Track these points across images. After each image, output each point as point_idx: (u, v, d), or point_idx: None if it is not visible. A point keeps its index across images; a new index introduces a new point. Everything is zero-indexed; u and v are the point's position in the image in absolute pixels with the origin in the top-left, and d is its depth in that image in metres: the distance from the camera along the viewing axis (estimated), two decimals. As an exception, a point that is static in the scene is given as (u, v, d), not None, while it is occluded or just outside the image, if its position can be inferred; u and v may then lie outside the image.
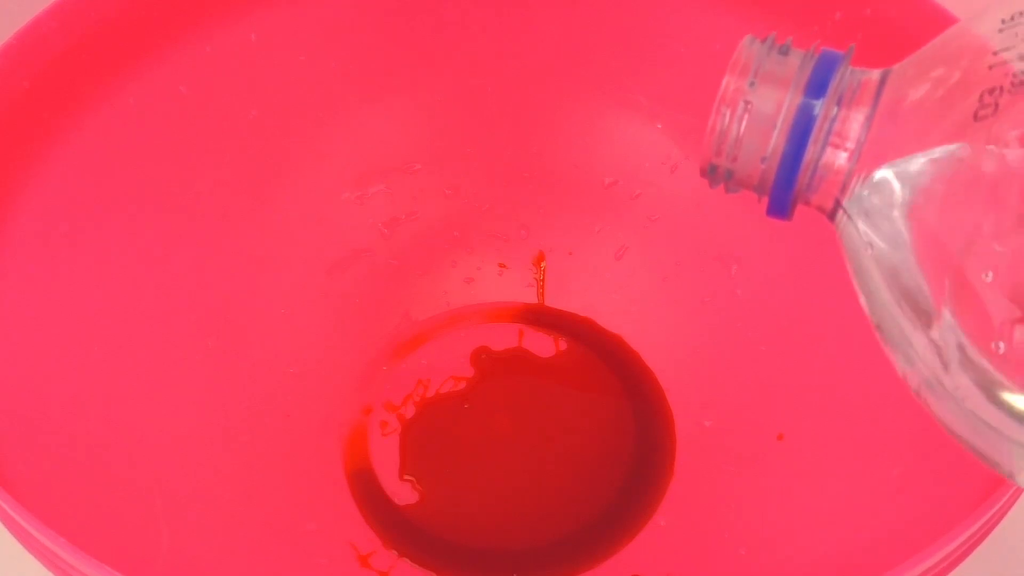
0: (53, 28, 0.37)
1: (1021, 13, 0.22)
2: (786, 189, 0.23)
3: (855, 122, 0.23)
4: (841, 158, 0.23)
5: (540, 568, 0.38)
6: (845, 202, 0.23)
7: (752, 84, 0.23)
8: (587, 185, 0.45)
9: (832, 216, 0.24)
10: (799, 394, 0.40)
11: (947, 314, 0.21)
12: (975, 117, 0.21)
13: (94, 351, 0.37)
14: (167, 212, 0.41)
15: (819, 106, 0.23)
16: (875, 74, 0.23)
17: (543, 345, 0.44)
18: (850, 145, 0.23)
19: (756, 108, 0.23)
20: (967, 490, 0.31)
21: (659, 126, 0.44)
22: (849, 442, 0.37)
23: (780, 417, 0.40)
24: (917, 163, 0.22)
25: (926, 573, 0.28)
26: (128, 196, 0.39)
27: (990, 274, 0.21)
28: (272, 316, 0.42)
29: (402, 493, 0.40)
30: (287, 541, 0.38)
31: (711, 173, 0.24)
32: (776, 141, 0.23)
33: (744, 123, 0.23)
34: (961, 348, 0.21)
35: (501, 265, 0.46)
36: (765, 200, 0.24)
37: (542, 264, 0.46)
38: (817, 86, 0.23)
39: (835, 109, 0.23)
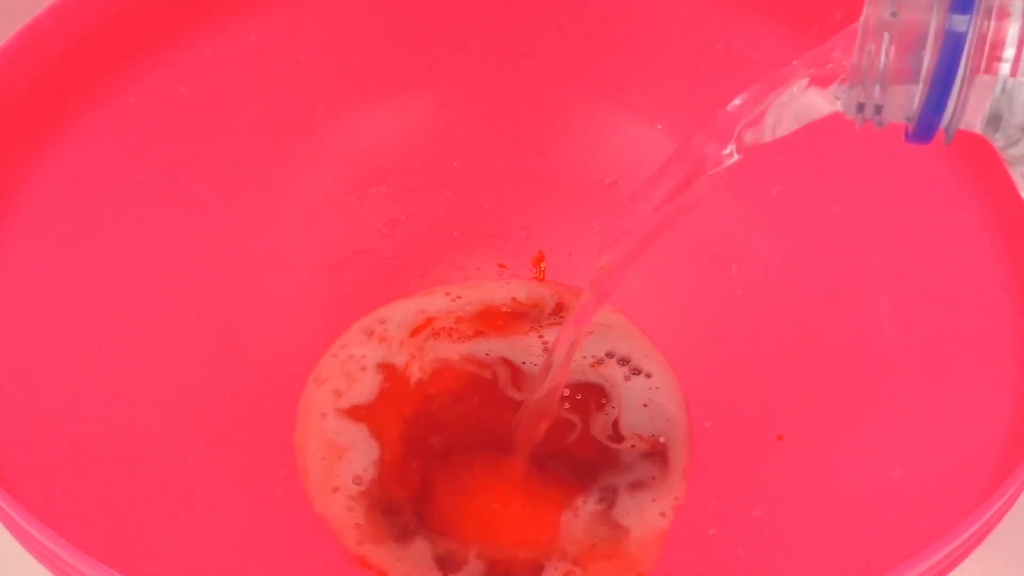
0: (53, 28, 0.37)
1: None
2: (937, 112, 0.23)
3: (1011, 30, 0.22)
4: (1004, 70, 0.22)
5: (540, 568, 0.38)
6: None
7: (894, 14, 0.23)
8: (587, 185, 0.45)
9: (988, 129, 0.23)
10: (799, 394, 0.40)
11: None
12: None
13: (94, 351, 0.37)
14: (167, 212, 0.41)
15: (967, 22, 0.22)
16: None
17: (543, 346, 0.44)
18: (1009, 54, 0.22)
19: (901, 37, 0.22)
20: (967, 490, 0.31)
21: (659, 126, 0.44)
22: (849, 442, 0.37)
23: (780, 417, 0.40)
24: None
25: (926, 573, 0.28)
26: (127, 196, 0.39)
27: None
28: (272, 316, 0.42)
29: (402, 493, 0.40)
30: (287, 541, 0.38)
31: (859, 111, 0.24)
32: (928, 65, 0.22)
33: (892, 54, 0.23)
34: None
35: (501, 265, 0.46)
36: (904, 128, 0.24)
37: (542, 264, 0.46)
38: (962, 2, 0.22)
39: (988, 23, 0.22)
